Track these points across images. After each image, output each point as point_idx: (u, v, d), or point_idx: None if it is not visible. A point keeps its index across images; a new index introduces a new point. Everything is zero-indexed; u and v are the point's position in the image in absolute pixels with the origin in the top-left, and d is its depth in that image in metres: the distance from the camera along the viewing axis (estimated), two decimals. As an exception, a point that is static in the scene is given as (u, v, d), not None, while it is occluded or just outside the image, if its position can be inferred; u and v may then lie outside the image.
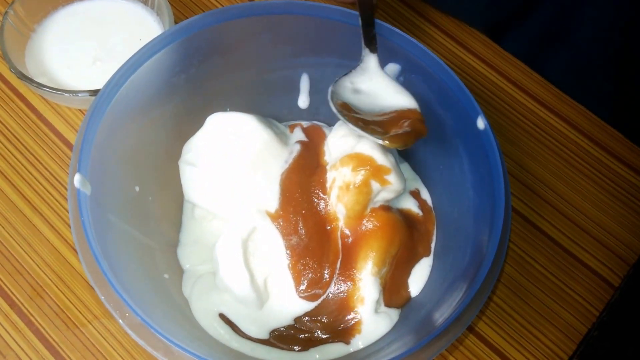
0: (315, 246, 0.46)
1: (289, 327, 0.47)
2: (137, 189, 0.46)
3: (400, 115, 0.44)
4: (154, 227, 0.48)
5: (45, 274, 0.50)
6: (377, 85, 0.45)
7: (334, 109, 0.43)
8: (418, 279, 0.49)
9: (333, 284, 0.47)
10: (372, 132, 0.42)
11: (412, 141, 0.42)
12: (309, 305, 0.47)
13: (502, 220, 0.41)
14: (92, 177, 0.41)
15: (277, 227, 0.46)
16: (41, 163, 0.54)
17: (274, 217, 0.47)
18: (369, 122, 0.43)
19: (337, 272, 0.47)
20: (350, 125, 0.42)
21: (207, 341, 0.45)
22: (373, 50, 0.45)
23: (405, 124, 0.43)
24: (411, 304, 0.48)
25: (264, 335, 0.46)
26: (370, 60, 0.46)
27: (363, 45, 0.45)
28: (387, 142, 0.42)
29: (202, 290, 0.47)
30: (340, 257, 0.47)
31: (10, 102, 0.57)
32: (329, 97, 0.44)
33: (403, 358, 0.38)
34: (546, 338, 0.50)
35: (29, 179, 0.54)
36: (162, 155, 0.49)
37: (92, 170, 0.41)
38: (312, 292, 0.47)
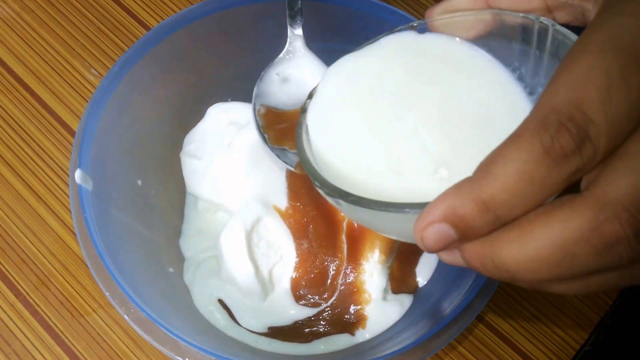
0: (323, 254, 0.45)
1: (289, 324, 0.46)
2: (139, 182, 0.46)
3: None
4: (157, 220, 0.47)
5: (51, 264, 0.50)
6: (304, 70, 0.41)
7: (255, 127, 0.40)
8: (426, 267, 0.48)
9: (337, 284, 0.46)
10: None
11: None
12: (311, 311, 0.46)
13: None
14: (93, 172, 0.40)
15: (288, 227, 0.46)
16: (46, 152, 0.54)
17: (284, 216, 0.46)
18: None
19: (340, 280, 0.46)
20: (271, 153, 0.40)
21: (213, 334, 0.44)
22: (297, 27, 0.41)
23: None
24: (419, 292, 0.47)
25: (263, 329, 0.45)
26: (296, 41, 0.42)
27: (288, 24, 0.41)
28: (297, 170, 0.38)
29: (203, 276, 0.46)
30: (345, 264, 0.46)
31: (15, 90, 0.57)
32: (252, 108, 0.40)
33: (411, 348, 0.38)
34: (557, 327, 0.49)
35: (34, 168, 0.53)
36: (164, 147, 0.49)
37: (93, 165, 0.40)
38: (314, 301, 0.46)
